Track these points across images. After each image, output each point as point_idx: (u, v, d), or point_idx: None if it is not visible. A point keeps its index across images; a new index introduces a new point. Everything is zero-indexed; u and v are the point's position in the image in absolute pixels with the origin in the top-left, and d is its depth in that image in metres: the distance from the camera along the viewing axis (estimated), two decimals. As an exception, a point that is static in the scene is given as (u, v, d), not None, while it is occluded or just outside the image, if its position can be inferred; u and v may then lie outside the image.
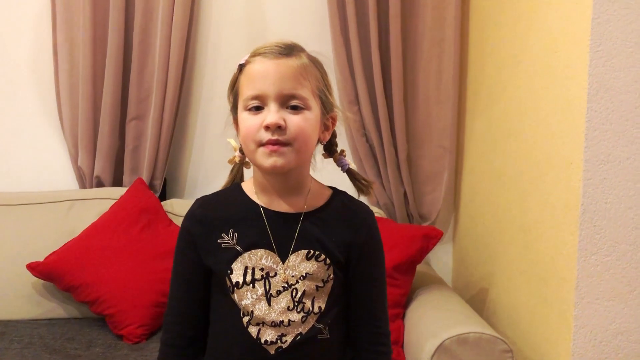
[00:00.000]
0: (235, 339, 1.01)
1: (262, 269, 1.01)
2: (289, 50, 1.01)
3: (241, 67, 1.03)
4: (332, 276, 1.03)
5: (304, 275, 1.01)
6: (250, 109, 0.99)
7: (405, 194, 2.23)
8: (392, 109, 2.18)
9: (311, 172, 1.08)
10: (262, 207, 1.04)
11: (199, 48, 2.29)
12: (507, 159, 1.83)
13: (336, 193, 1.09)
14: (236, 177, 1.12)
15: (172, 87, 2.17)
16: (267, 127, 0.96)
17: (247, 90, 1.00)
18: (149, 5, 2.17)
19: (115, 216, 2.00)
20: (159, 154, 2.21)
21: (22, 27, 2.26)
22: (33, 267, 1.89)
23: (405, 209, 2.24)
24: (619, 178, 1.38)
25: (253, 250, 1.01)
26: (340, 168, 1.10)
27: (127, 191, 2.09)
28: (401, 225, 2.05)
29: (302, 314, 1.01)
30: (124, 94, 2.21)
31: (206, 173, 2.34)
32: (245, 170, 1.13)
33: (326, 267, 1.02)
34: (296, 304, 1.01)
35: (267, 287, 1.01)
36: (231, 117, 1.07)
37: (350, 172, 1.11)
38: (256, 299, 1.00)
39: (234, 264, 1.01)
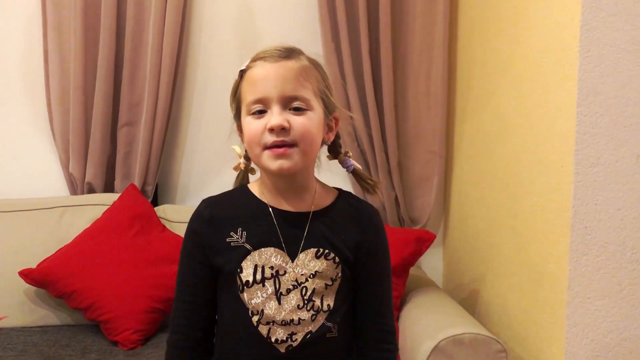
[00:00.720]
0: (245, 339, 1.02)
1: (271, 268, 1.01)
2: (289, 53, 1.02)
3: (242, 73, 1.04)
4: (340, 274, 1.04)
5: (314, 273, 1.02)
6: (253, 113, 1.00)
7: (396, 198, 2.26)
8: (382, 114, 2.20)
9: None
10: (270, 206, 1.04)
11: (191, 54, 2.30)
12: (497, 162, 1.86)
13: (342, 193, 1.10)
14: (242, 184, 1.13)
15: (163, 93, 2.17)
16: (271, 130, 0.97)
17: (249, 95, 1.00)
18: (140, 12, 2.17)
19: (109, 222, 2.00)
20: (150, 160, 2.21)
21: (13, 33, 2.25)
22: (26, 274, 1.87)
23: (396, 212, 2.27)
24: (609, 180, 1.41)
25: (262, 249, 1.02)
26: (345, 169, 1.12)
27: (120, 197, 2.09)
28: (394, 228, 2.07)
29: (311, 312, 1.02)
30: (115, 100, 2.20)
31: (198, 178, 2.34)
32: (250, 176, 1.13)
33: (335, 265, 1.03)
34: (306, 302, 1.01)
35: (277, 285, 1.01)
36: (235, 125, 1.08)
37: (356, 172, 1.13)
38: (266, 297, 1.01)
39: (243, 262, 1.02)
